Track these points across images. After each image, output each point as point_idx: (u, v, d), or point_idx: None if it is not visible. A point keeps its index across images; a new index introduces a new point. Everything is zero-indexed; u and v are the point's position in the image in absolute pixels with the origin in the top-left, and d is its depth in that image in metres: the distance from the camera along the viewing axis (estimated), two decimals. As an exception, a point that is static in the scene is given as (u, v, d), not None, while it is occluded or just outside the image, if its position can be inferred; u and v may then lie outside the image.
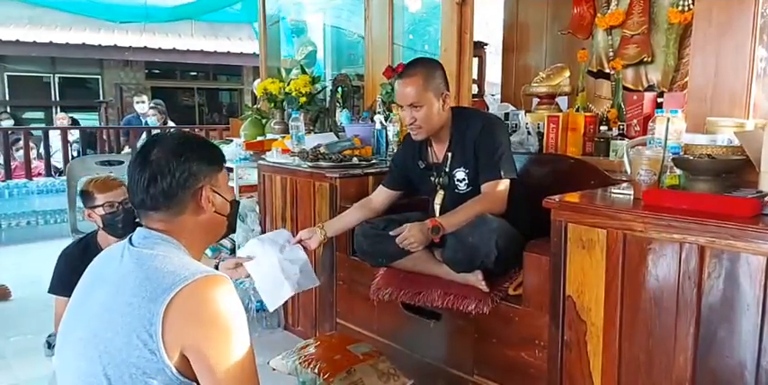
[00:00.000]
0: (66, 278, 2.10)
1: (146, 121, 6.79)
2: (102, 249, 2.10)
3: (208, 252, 3.13)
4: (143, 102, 7.04)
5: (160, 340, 1.03)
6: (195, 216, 1.23)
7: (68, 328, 1.20)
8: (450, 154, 2.03)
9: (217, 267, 1.71)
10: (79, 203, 3.30)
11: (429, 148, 2.10)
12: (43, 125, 8.54)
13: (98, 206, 2.10)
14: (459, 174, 2.01)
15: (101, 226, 2.16)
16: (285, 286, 1.80)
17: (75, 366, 1.13)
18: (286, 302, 2.91)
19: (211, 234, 1.32)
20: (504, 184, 1.93)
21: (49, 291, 2.15)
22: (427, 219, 2.11)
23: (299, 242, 1.98)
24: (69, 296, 2.13)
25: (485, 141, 1.96)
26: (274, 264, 1.79)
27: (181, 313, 1.05)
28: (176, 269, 1.10)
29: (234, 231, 1.49)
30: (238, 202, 1.44)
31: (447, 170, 2.03)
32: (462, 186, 2.01)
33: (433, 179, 2.06)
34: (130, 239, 1.21)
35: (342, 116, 3.54)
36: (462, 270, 1.88)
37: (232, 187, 2.92)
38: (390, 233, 1.90)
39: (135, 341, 1.04)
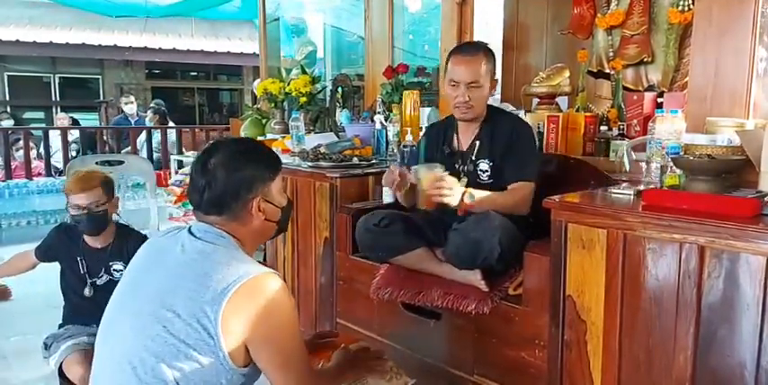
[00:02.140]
0: (45, 247, 2.24)
1: (135, 121, 6.78)
2: (84, 240, 2.15)
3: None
4: (131, 102, 7.02)
5: (219, 328, 1.12)
6: (247, 223, 1.30)
7: (119, 307, 1.28)
8: (477, 142, 2.04)
9: None
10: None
11: (455, 135, 2.11)
12: (43, 125, 8.54)
13: (68, 205, 2.14)
14: (483, 165, 2.01)
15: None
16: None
17: (128, 339, 1.19)
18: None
19: (261, 238, 1.41)
20: (531, 187, 1.93)
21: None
22: (434, 216, 2.11)
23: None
24: (42, 260, 2.19)
25: (523, 141, 1.99)
26: None
27: (240, 308, 1.14)
28: (237, 265, 1.19)
29: (285, 230, 1.54)
30: (291, 203, 1.51)
31: (473, 158, 2.03)
32: (484, 177, 2.01)
33: (457, 166, 2.05)
34: (190, 230, 1.29)
35: (342, 116, 3.53)
36: (465, 266, 1.87)
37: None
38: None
39: (195, 325, 1.13)
